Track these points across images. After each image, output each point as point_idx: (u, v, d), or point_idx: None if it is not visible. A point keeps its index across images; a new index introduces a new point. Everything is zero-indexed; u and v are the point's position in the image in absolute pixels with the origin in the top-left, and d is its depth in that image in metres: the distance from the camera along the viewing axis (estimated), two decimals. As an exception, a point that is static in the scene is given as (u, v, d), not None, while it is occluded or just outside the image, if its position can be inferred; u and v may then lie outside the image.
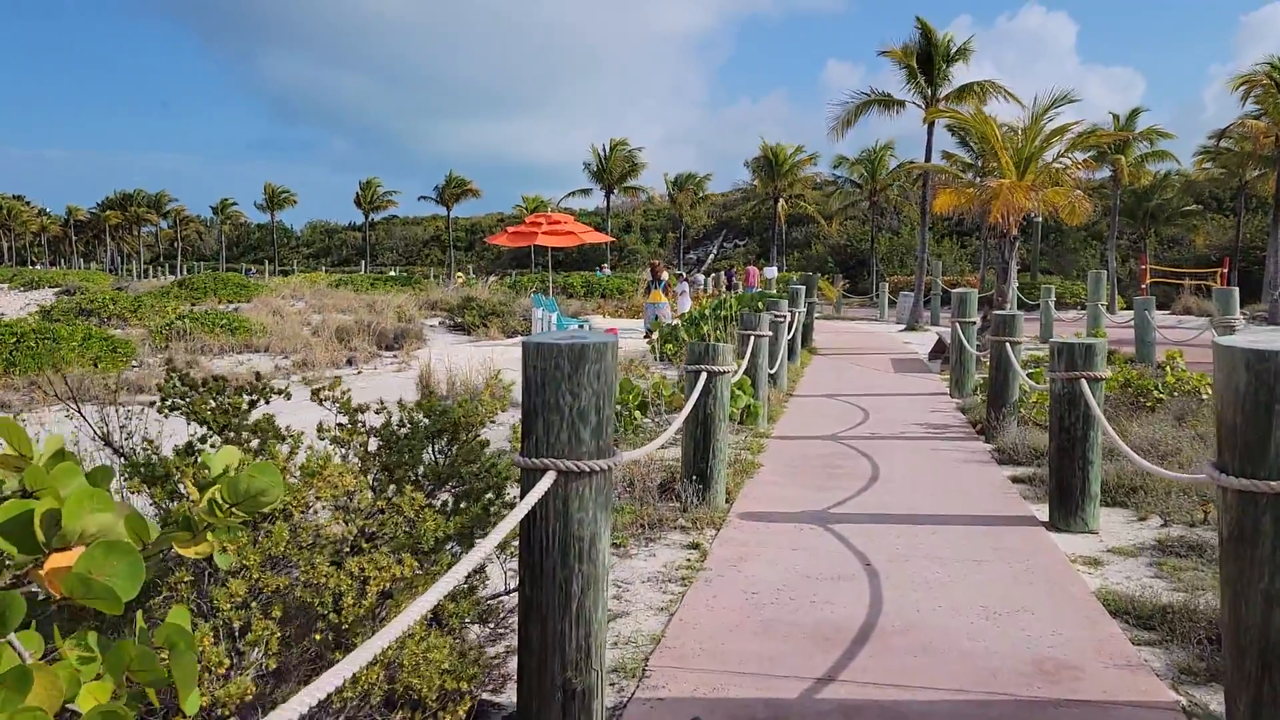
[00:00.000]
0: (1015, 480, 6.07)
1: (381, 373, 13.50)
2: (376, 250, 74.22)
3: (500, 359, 15.18)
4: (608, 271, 36.79)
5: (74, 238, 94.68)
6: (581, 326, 16.89)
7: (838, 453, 6.93)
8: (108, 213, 79.15)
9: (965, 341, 9.79)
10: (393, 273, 42.19)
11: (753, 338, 7.76)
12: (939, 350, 13.74)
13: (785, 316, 10.35)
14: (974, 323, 10.01)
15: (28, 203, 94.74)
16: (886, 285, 27.96)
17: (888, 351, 15.48)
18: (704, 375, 5.10)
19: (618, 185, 45.60)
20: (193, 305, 28.51)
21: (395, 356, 15.13)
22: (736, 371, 6.66)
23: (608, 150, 45.10)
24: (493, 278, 36.61)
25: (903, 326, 21.72)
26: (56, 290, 44.15)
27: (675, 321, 17.21)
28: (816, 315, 27.17)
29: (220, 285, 33.30)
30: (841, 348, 16.15)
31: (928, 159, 20.65)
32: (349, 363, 13.83)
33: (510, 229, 16.55)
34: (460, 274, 38.04)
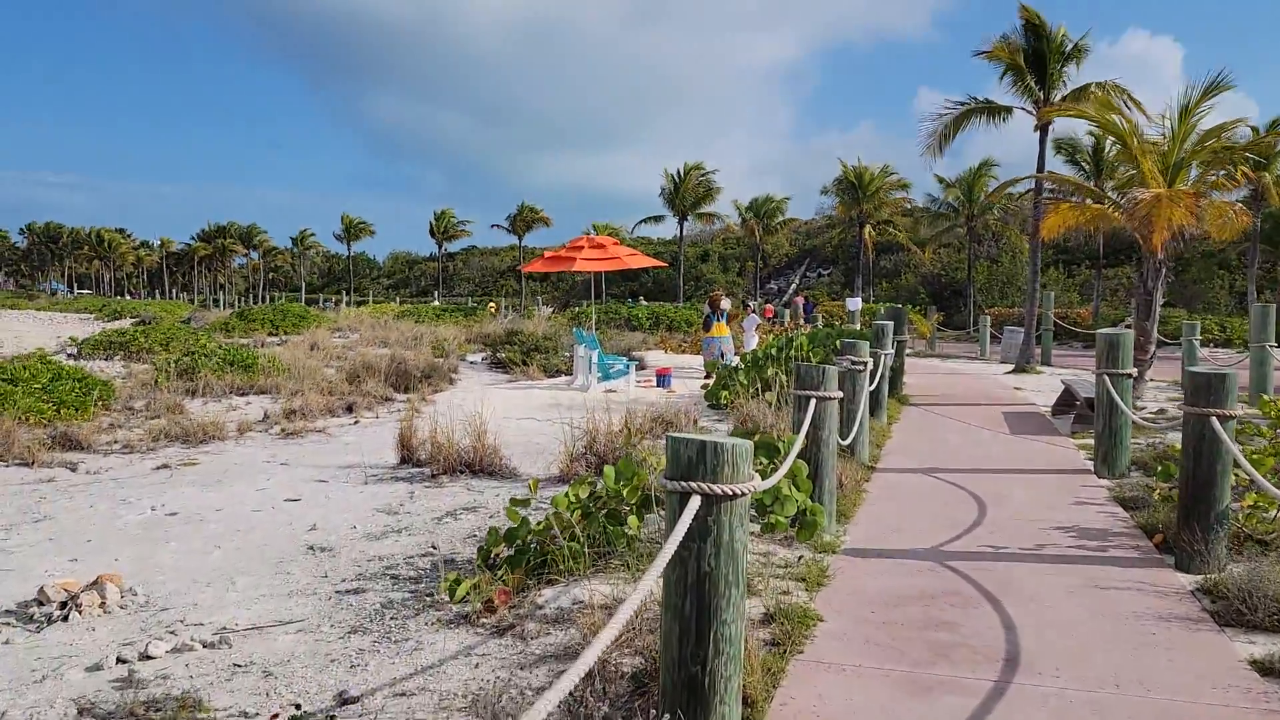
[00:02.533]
0: (1265, 671, 3.46)
1: (385, 421, 11.48)
2: (454, 280, 73.88)
3: (524, 405, 13.02)
4: (643, 302, 34.53)
5: (171, 269, 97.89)
6: (628, 368, 14.62)
7: (944, 591, 4.41)
8: (196, 245, 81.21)
9: (1119, 400, 7.10)
10: (437, 303, 40.68)
11: (813, 402, 5.31)
12: (1066, 403, 10.94)
13: (866, 362, 7.85)
14: (1129, 375, 7.30)
15: (127, 235, 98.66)
16: (988, 319, 24.87)
17: (997, 401, 12.69)
18: (695, 503, 2.71)
19: (691, 211, 43.34)
20: (240, 338, 27.47)
21: (413, 399, 13.11)
22: (779, 466, 4.25)
23: (681, 175, 42.94)
24: (549, 309, 34.74)
25: (1010, 367, 18.73)
26: (134, 320, 44.65)
27: (736, 361, 14.80)
28: (908, 352, 24.27)
29: (279, 316, 32.39)
30: (939, 395, 13.42)
31: (1039, 176, 17.74)
32: (349, 409, 11.85)
33: (547, 254, 14.46)
34: (492, 304, 36.28)
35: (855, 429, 7.38)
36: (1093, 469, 7.48)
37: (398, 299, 59.50)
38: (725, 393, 11.86)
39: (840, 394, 5.49)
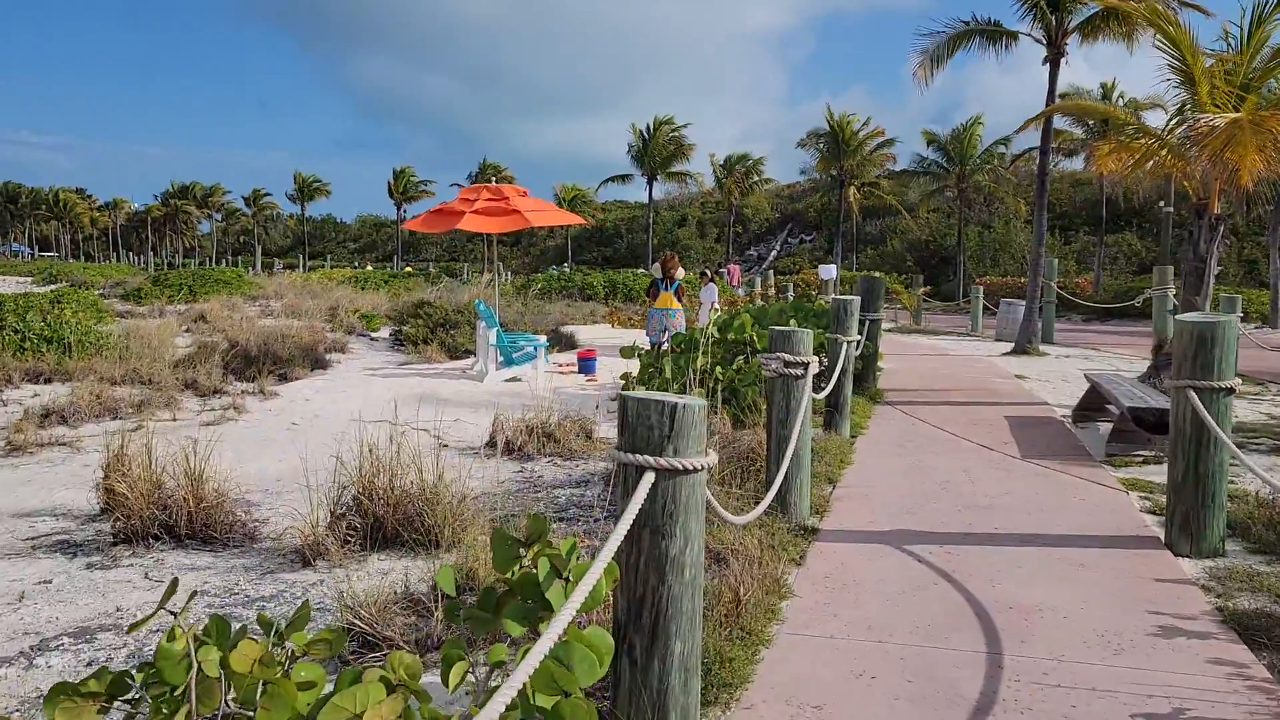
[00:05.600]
0: None
1: (184, 425, 8.60)
2: (422, 244, 70.55)
3: (394, 399, 10.01)
4: (566, 269, 31.83)
5: (138, 231, 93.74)
6: (537, 350, 11.73)
7: None
8: (151, 206, 77.44)
9: (1219, 431, 4.30)
10: (370, 268, 37.46)
11: (649, 479, 2.46)
12: (1093, 407, 8.16)
13: (808, 363, 5.03)
14: (1229, 390, 4.48)
15: (86, 195, 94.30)
16: (980, 290, 22.07)
17: (997, 397, 9.90)
18: None
19: (661, 170, 40.04)
20: (140, 306, 24.56)
21: (251, 392, 10.21)
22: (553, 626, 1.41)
23: (651, 130, 39.59)
24: (489, 276, 31.66)
25: (1006, 347, 15.97)
26: (67, 284, 41.65)
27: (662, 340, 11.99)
28: (890, 326, 21.43)
29: (198, 282, 29.32)
30: (923, 388, 10.63)
31: (1046, 121, 14.81)
32: (138, 407, 8.96)
33: (435, 208, 11.49)
34: (409, 268, 33.30)
35: (783, 472, 4.56)
36: (1163, 538, 4.69)
37: (355, 264, 56.21)
38: (643, 388, 9.02)
39: (710, 459, 2.63)
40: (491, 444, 7.59)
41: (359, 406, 9.75)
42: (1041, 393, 10.25)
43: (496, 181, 51.29)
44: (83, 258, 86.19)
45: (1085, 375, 8.47)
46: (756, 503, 5.20)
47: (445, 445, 7.97)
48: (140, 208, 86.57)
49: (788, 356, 5.01)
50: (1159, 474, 6.13)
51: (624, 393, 2.62)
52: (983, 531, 4.84)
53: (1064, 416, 8.46)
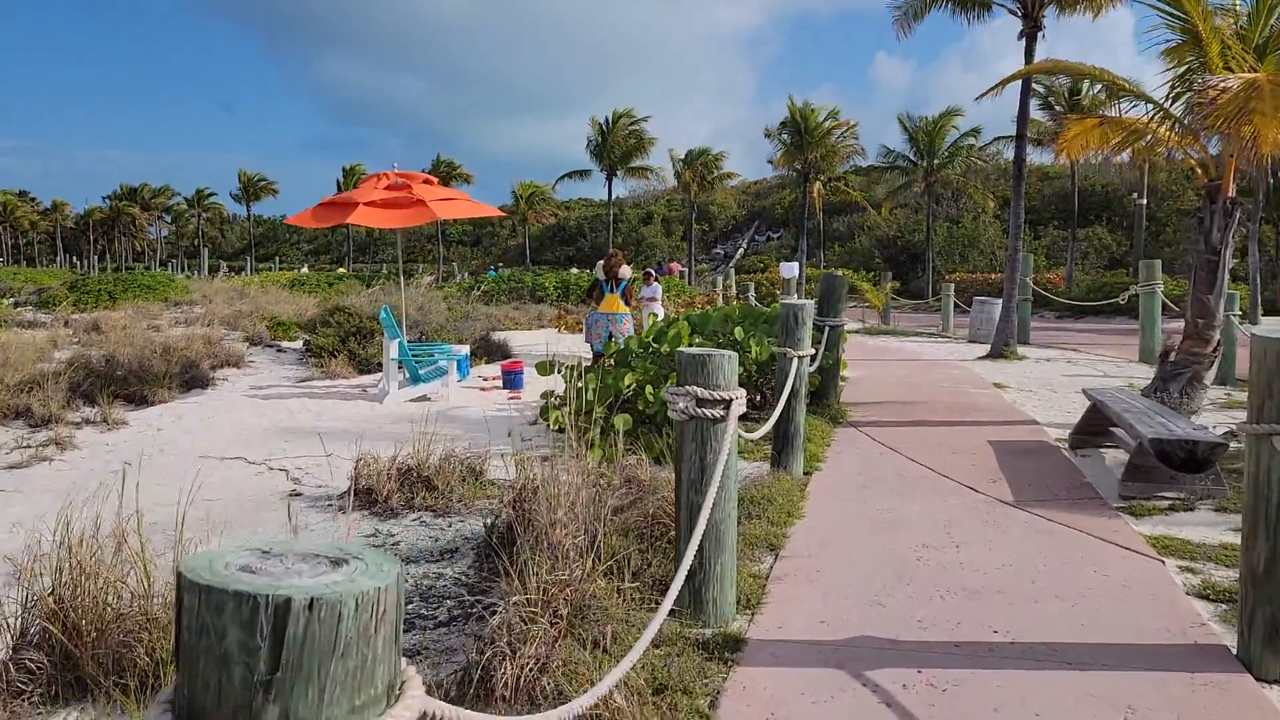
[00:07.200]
0: None
1: (-13, 468, 6.96)
2: (378, 245, 68.50)
3: (271, 428, 8.37)
4: (504, 270, 30.42)
5: (72, 235, 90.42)
6: (450, 363, 10.17)
7: None
8: (92, 209, 74.57)
9: (1327, 510, 2.87)
10: (307, 270, 35.60)
11: None
12: (1094, 430, 6.78)
13: (730, 399, 3.57)
14: (1331, 436, 3.07)
15: (32, 199, 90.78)
16: (950, 287, 20.82)
17: (976, 414, 8.52)
18: None
19: (621, 165, 38.46)
20: (42, 314, 22.65)
21: (93, 420, 8.56)
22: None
23: (609, 124, 37.98)
24: (429, 279, 30.00)
25: (982, 350, 14.68)
26: (-9, 291, 39.50)
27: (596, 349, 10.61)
28: (857, 327, 20.12)
29: (120, 287, 27.38)
30: (891, 400, 9.23)
31: (1024, 94, 13.53)
32: (-64, 446, 7.29)
33: (324, 200, 9.88)
34: (341, 270, 31.58)
35: (689, 556, 3.07)
36: (1234, 649, 3.28)
37: (304, 266, 54.16)
38: (555, 413, 7.54)
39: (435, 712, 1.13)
40: (358, 492, 6.04)
41: (220, 438, 8.14)
42: (1027, 406, 8.89)
43: (450, 176, 49.17)
44: (24, 262, 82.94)
45: (1084, 392, 7.10)
46: (663, 592, 3.74)
47: (298, 492, 6.43)
48: (81, 211, 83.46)
49: (701, 392, 3.54)
50: (1194, 526, 4.76)
51: (183, 568, 1.11)
52: (979, 640, 3.39)
53: (1059, 440, 7.08)
